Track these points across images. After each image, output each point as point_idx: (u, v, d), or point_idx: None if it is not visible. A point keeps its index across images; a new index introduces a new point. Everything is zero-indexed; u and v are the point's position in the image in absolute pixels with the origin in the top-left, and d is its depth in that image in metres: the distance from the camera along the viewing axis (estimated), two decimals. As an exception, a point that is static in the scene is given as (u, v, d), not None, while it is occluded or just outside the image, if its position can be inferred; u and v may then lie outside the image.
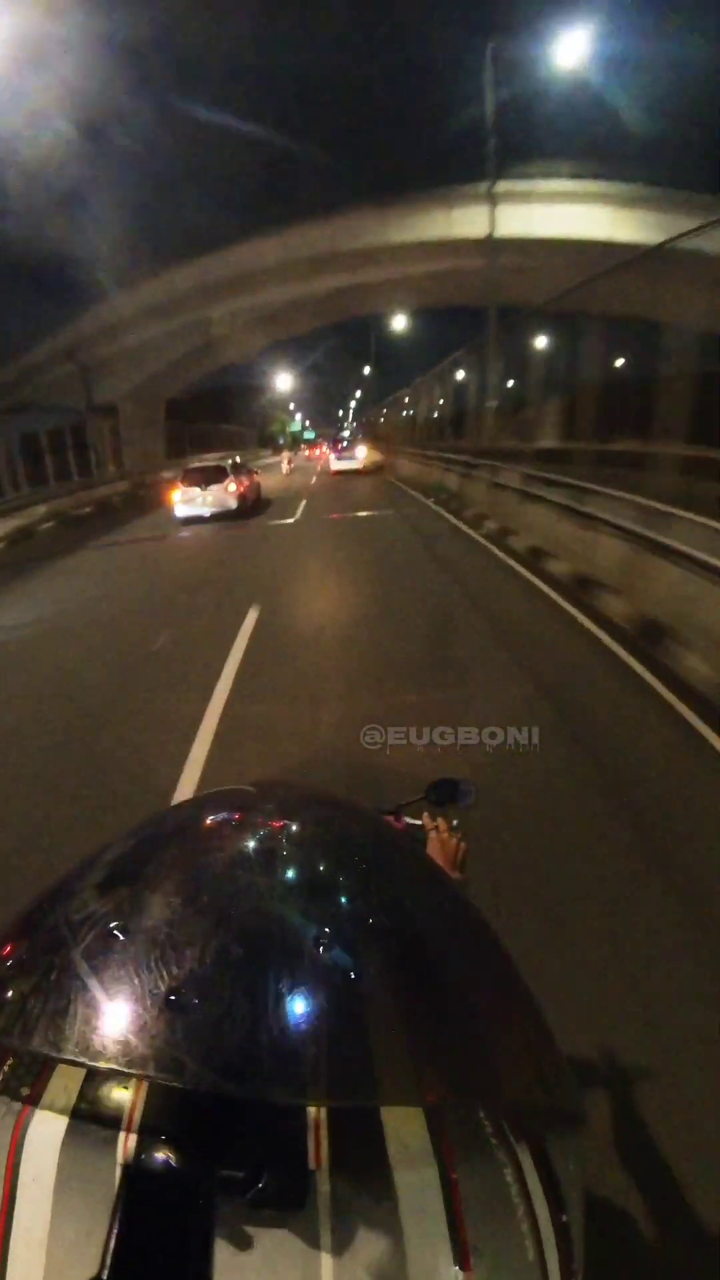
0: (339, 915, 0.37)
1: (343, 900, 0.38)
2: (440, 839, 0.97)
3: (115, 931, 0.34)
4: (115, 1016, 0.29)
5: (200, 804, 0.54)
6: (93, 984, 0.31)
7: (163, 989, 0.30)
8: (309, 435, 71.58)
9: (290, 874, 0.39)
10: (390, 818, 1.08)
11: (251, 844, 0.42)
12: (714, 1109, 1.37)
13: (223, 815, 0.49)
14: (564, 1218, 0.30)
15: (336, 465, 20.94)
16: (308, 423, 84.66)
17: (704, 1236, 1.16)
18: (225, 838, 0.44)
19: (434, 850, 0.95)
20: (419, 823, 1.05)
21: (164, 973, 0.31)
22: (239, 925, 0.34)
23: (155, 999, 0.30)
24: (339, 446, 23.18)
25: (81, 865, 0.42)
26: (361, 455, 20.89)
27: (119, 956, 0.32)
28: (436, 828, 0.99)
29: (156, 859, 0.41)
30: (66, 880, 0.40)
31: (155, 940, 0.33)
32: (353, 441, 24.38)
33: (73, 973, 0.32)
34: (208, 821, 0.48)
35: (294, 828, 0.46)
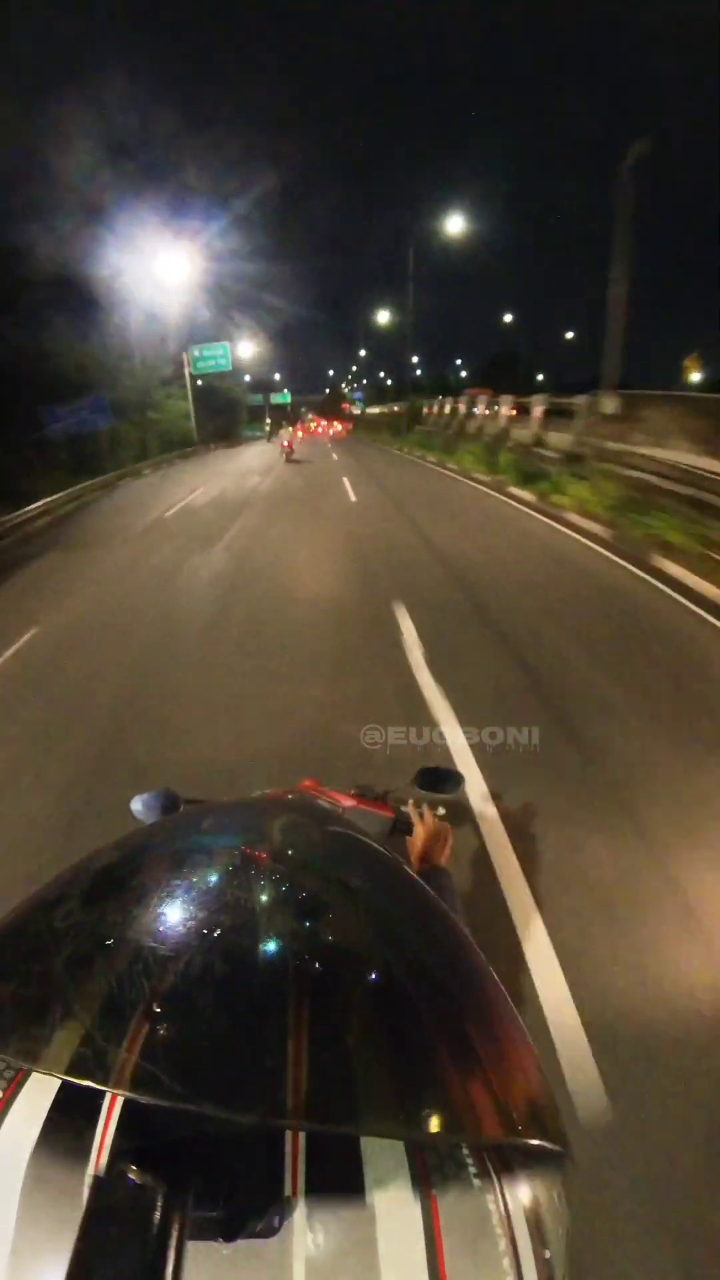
0: (327, 939, 0.36)
1: (332, 924, 0.37)
2: (426, 825, 0.97)
3: (99, 942, 0.33)
4: (93, 1028, 0.29)
5: (192, 819, 0.54)
6: (72, 994, 0.31)
7: (143, 1003, 0.30)
8: (280, 398, 46.74)
9: (279, 894, 0.38)
10: (378, 802, 1.09)
11: (241, 862, 0.41)
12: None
13: (214, 831, 0.48)
14: (547, 1254, 0.29)
15: None
16: (276, 376, 57.08)
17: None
18: (215, 854, 0.43)
19: (419, 836, 0.95)
20: (405, 809, 1.05)
21: (146, 986, 0.30)
22: (224, 942, 0.33)
23: (135, 1013, 0.29)
24: None
25: (69, 873, 0.41)
26: None
27: (101, 967, 0.32)
28: (423, 813, 1.00)
29: (145, 872, 0.41)
30: (52, 887, 0.40)
31: (139, 953, 0.32)
32: None
33: (53, 982, 0.32)
34: (198, 837, 0.47)
35: (286, 847, 0.46)
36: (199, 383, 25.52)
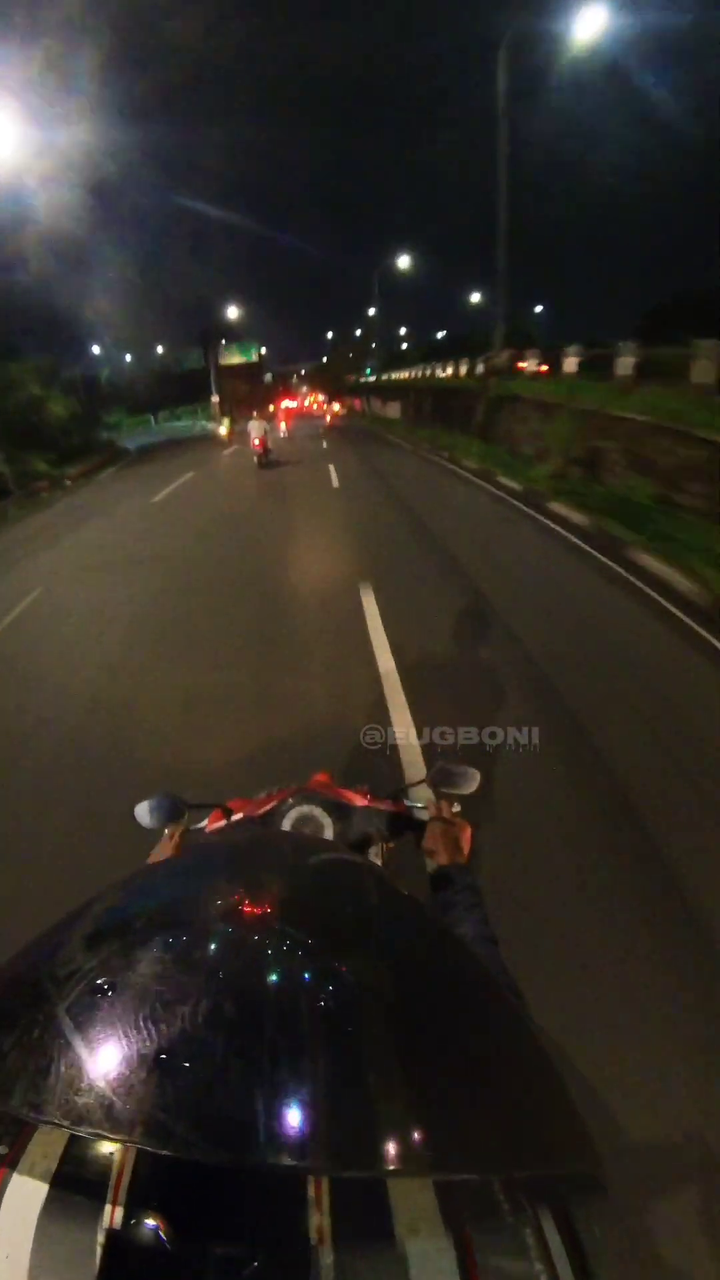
0: (339, 974, 0.35)
1: (343, 958, 0.36)
2: (442, 823, 0.94)
3: (102, 988, 0.32)
4: (100, 1077, 0.28)
5: (194, 857, 0.53)
6: (77, 1042, 0.30)
7: (151, 1049, 0.29)
8: (240, 352, 26.81)
9: (288, 930, 0.37)
10: (389, 800, 1.07)
11: (247, 899, 0.40)
12: None
13: (216, 869, 0.47)
14: None
15: None
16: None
17: None
18: (219, 892, 0.42)
19: (435, 834, 0.93)
20: (421, 805, 1.03)
21: (153, 1032, 0.29)
22: (233, 983, 0.33)
23: (143, 1059, 0.28)
24: None
25: (69, 917, 0.40)
26: None
27: (106, 1014, 0.31)
28: (439, 811, 0.97)
29: (147, 913, 0.40)
30: (53, 933, 0.39)
31: (144, 997, 0.31)
32: None
33: (57, 1030, 0.30)
34: (201, 876, 0.46)
35: (292, 882, 0.44)
36: None
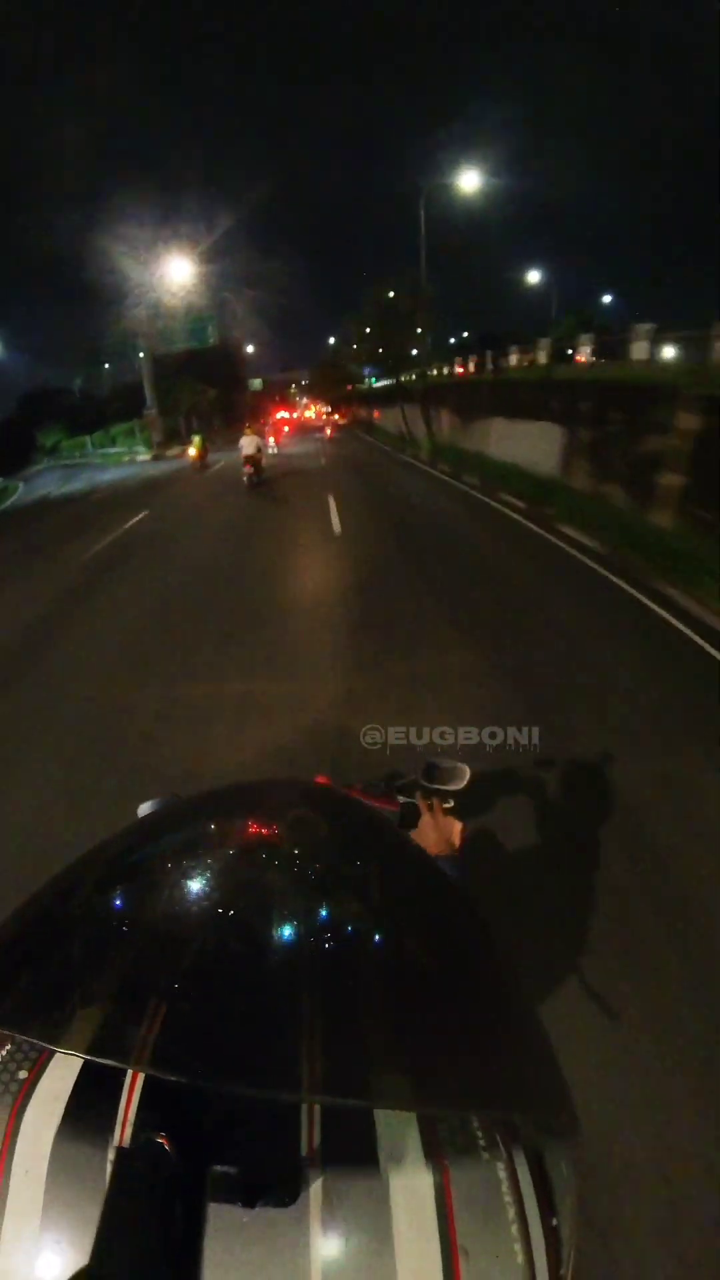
0: (339, 916, 0.37)
1: (344, 901, 0.38)
2: (435, 819, 0.96)
3: (115, 925, 0.35)
4: (113, 1009, 0.30)
5: (203, 801, 0.54)
6: (91, 976, 0.32)
7: (161, 983, 0.31)
8: (186, 335, 15.98)
9: (292, 873, 0.39)
10: (383, 796, 1.10)
11: (254, 842, 0.42)
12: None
13: (225, 812, 0.49)
14: (554, 1222, 0.31)
15: None
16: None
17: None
18: (227, 835, 0.44)
19: (427, 829, 0.95)
20: (414, 801, 1.05)
21: (162, 967, 0.32)
22: (238, 922, 0.35)
23: (153, 992, 0.31)
24: None
25: (84, 858, 0.42)
26: None
27: (118, 949, 0.33)
28: (431, 807, 0.99)
29: (158, 855, 0.42)
30: (69, 872, 0.41)
31: (155, 934, 0.34)
32: None
33: (72, 964, 0.33)
34: (210, 818, 0.48)
35: (297, 827, 0.46)
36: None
